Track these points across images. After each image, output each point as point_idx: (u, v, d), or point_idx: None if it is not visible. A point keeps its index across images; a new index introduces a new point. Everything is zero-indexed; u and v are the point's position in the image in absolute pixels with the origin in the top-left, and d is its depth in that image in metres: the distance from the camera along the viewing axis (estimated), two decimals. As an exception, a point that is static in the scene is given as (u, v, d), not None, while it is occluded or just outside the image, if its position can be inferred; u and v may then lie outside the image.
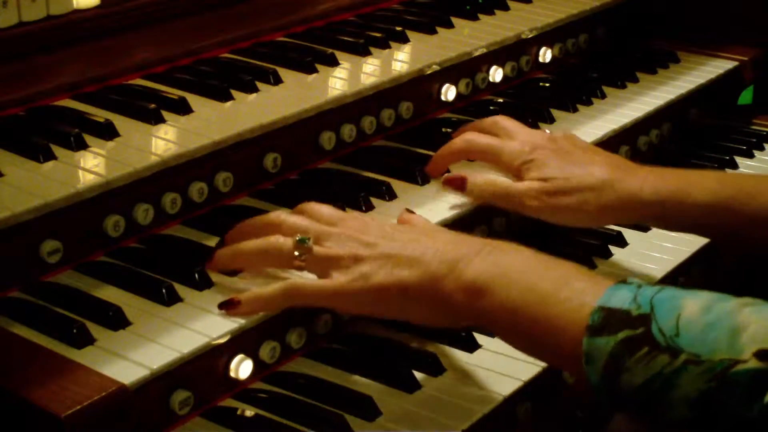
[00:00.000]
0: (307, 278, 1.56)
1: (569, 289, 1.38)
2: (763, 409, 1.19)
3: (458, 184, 1.81)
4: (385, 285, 1.49)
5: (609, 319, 1.31)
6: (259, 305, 1.53)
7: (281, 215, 1.61)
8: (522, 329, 1.42)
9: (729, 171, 2.33)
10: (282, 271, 1.59)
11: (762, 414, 1.19)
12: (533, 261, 1.46)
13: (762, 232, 1.74)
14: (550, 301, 1.38)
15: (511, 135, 1.89)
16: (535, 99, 2.29)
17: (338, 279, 1.51)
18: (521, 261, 1.46)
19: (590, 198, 1.77)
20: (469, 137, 1.91)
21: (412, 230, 1.58)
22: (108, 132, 1.70)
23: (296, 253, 1.54)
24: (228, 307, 1.52)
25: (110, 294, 1.55)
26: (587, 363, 1.31)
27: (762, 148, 2.47)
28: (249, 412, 1.54)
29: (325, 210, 1.61)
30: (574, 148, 1.86)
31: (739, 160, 2.39)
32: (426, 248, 1.50)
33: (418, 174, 1.91)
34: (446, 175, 1.85)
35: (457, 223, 1.82)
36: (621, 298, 1.32)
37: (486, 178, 1.83)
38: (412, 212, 1.72)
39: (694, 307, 1.28)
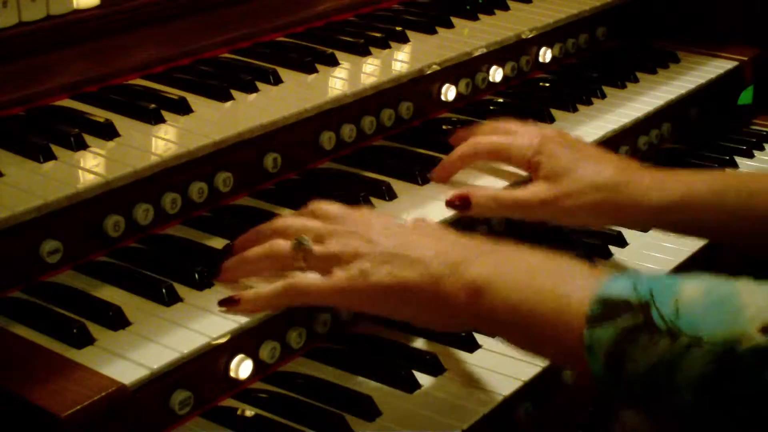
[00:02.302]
0: (310, 276, 1.56)
1: (569, 284, 1.37)
2: None
3: (462, 204, 1.79)
4: (386, 284, 1.48)
5: (608, 309, 1.30)
6: (260, 304, 1.53)
7: (287, 219, 1.61)
8: (522, 327, 1.41)
9: (729, 171, 2.34)
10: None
11: None
12: (533, 259, 1.46)
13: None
14: (550, 296, 1.37)
15: (516, 132, 1.89)
16: (535, 99, 2.29)
17: (338, 276, 1.50)
18: (521, 260, 1.46)
19: (599, 199, 1.77)
20: (476, 140, 1.90)
21: (415, 230, 1.57)
22: (108, 132, 1.70)
23: (296, 255, 1.54)
24: (228, 304, 1.52)
25: (110, 294, 1.55)
26: (589, 354, 1.30)
27: (762, 148, 2.48)
28: (249, 412, 1.54)
29: (331, 208, 1.60)
30: (582, 144, 1.87)
31: (739, 160, 2.39)
32: (428, 249, 1.49)
33: (418, 174, 1.91)
34: (447, 197, 1.82)
35: (458, 223, 1.83)
36: (620, 288, 1.31)
37: (488, 192, 1.81)
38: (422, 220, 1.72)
39: (694, 290, 1.26)
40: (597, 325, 1.30)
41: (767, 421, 1.18)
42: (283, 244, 1.56)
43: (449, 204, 1.80)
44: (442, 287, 1.46)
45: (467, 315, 1.46)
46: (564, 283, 1.38)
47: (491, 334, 1.53)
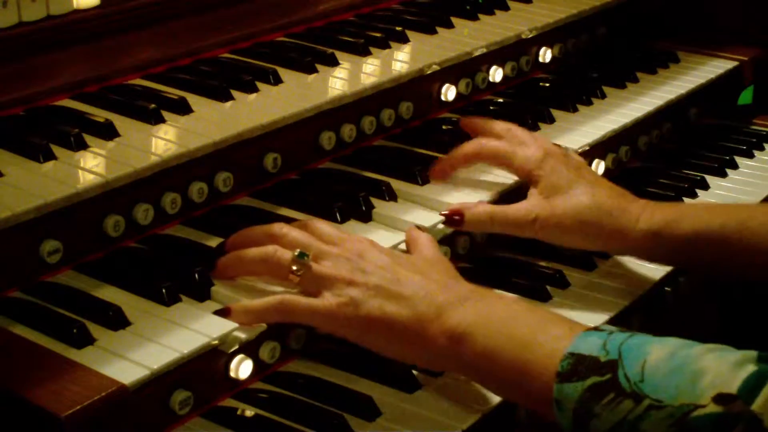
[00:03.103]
0: (302, 296, 1.55)
1: (545, 336, 1.41)
2: None
3: (457, 221, 1.80)
4: (373, 317, 1.51)
5: (578, 366, 1.34)
6: (250, 317, 1.53)
7: (284, 228, 1.62)
8: (499, 375, 1.45)
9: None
10: (277, 283, 1.59)
11: None
12: (514, 308, 1.49)
13: (754, 260, 1.74)
14: (527, 347, 1.42)
15: (523, 142, 1.89)
16: (535, 99, 2.29)
17: (329, 300, 1.52)
18: (503, 309, 1.49)
19: (589, 219, 1.78)
20: (483, 141, 1.91)
21: (408, 264, 1.59)
22: (108, 132, 1.70)
23: (294, 268, 1.55)
24: (222, 315, 1.53)
25: (110, 294, 1.55)
26: (558, 409, 1.35)
27: (762, 148, 2.48)
28: (249, 412, 1.54)
29: (327, 229, 1.63)
30: (584, 166, 1.89)
31: (739, 160, 2.39)
32: (418, 288, 1.52)
33: (418, 174, 1.91)
34: (442, 212, 1.81)
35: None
36: (591, 345, 1.36)
37: (482, 209, 1.81)
38: (420, 228, 1.73)
39: (660, 353, 1.31)
40: (566, 381, 1.34)
41: None
42: (282, 253, 1.56)
43: (444, 220, 1.80)
44: (426, 330, 1.49)
45: (448, 358, 1.49)
46: (541, 334, 1.42)
47: (471, 378, 1.55)
